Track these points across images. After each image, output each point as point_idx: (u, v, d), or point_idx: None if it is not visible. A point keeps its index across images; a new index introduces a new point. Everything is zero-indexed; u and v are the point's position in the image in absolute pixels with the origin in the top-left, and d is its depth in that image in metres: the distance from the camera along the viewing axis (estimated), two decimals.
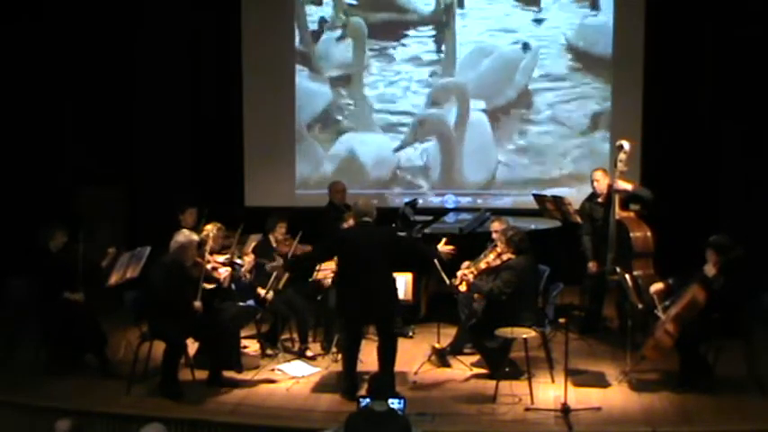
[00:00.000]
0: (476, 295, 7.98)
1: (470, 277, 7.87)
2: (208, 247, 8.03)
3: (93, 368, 8.02)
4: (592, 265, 8.75)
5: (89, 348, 8.09)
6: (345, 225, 8.30)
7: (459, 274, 7.93)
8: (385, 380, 6.21)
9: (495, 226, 8.35)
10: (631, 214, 8.50)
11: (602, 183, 8.83)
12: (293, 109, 11.44)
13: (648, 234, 8.33)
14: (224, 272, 7.97)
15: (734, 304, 7.35)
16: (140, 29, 11.25)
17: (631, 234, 8.32)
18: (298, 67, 11.40)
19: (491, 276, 7.91)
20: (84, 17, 10.95)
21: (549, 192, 10.11)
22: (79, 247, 8.05)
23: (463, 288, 7.98)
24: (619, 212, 8.46)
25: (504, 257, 7.84)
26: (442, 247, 7.72)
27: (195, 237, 7.77)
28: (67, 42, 10.95)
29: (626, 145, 8.52)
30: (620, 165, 8.48)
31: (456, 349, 8.31)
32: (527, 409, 7.14)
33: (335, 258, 7.70)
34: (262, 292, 8.30)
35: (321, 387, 7.72)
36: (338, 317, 7.86)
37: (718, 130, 10.56)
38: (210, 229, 8.24)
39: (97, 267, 8.19)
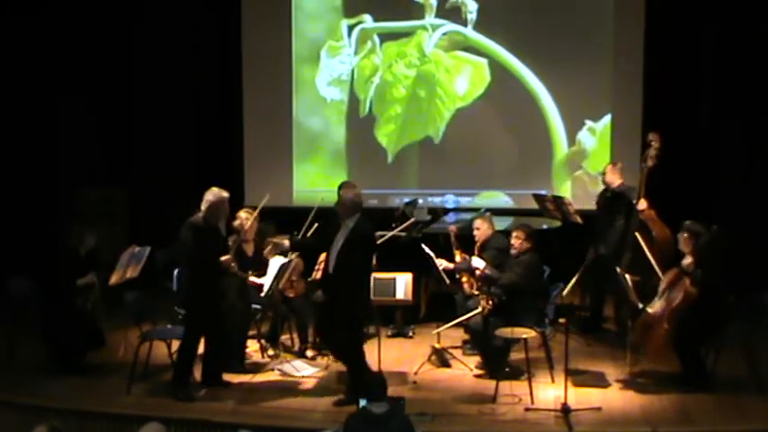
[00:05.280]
0: (482, 302, 7.84)
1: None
2: (247, 235, 7.95)
3: (93, 367, 8.02)
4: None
5: (89, 347, 8.07)
6: None
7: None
8: (369, 380, 6.11)
9: (478, 224, 8.32)
10: (653, 213, 8.46)
11: (608, 176, 8.91)
12: (292, 109, 11.44)
13: (670, 237, 8.21)
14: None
15: (716, 289, 7.31)
16: (141, 30, 11.26)
17: (653, 234, 8.27)
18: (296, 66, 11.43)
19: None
20: (85, 17, 10.96)
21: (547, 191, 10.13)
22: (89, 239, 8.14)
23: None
24: (645, 213, 8.42)
25: (524, 247, 7.84)
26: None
27: (225, 194, 7.50)
28: (68, 42, 10.96)
29: (655, 140, 8.50)
30: (649, 161, 8.47)
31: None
32: (527, 409, 7.13)
33: None
34: (256, 280, 8.25)
35: (321, 387, 7.72)
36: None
37: (717, 130, 10.56)
38: (245, 216, 8.10)
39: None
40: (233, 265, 7.51)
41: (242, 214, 8.14)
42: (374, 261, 8.39)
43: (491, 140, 11.17)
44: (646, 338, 7.49)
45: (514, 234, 7.93)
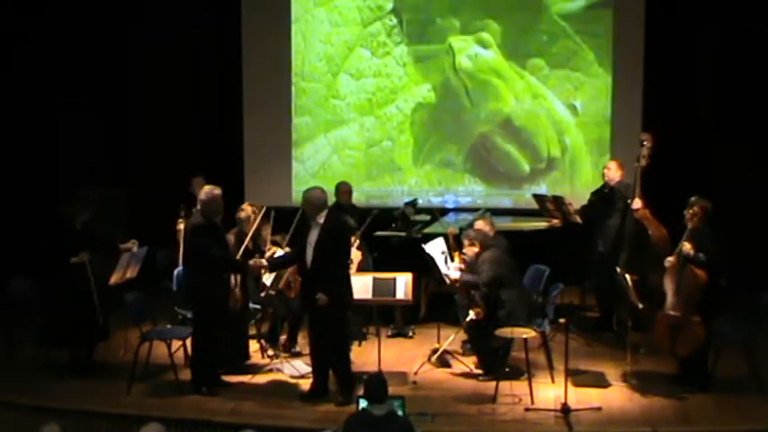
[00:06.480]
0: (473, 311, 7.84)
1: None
2: (251, 228, 7.93)
3: (93, 368, 8.03)
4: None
5: (92, 340, 8.05)
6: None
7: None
8: (367, 381, 6.06)
9: (479, 224, 8.30)
10: (647, 212, 8.45)
11: (612, 172, 8.94)
12: (291, 109, 11.44)
13: (666, 236, 8.22)
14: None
15: (720, 267, 7.30)
16: (141, 30, 11.26)
17: (649, 232, 8.26)
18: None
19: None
20: (85, 17, 10.95)
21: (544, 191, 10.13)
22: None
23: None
24: (639, 212, 8.41)
25: (476, 250, 7.88)
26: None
27: (217, 190, 7.53)
28: (68, 42, 10.95)
29: (647, 140, 8.52)
30: (642, 161, 8.49)
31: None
32: (527, 409, 7.14)
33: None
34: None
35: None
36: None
37: (718, 130, 10.56)
38: (251, 210, 8.13)
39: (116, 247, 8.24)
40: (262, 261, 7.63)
41: (248, 207, 8.19)
42: (371, 262, 8.46)
43: (515, 164, 11.11)
44: (676, 340, 7.34)
45: (466, 243, 8.00)
